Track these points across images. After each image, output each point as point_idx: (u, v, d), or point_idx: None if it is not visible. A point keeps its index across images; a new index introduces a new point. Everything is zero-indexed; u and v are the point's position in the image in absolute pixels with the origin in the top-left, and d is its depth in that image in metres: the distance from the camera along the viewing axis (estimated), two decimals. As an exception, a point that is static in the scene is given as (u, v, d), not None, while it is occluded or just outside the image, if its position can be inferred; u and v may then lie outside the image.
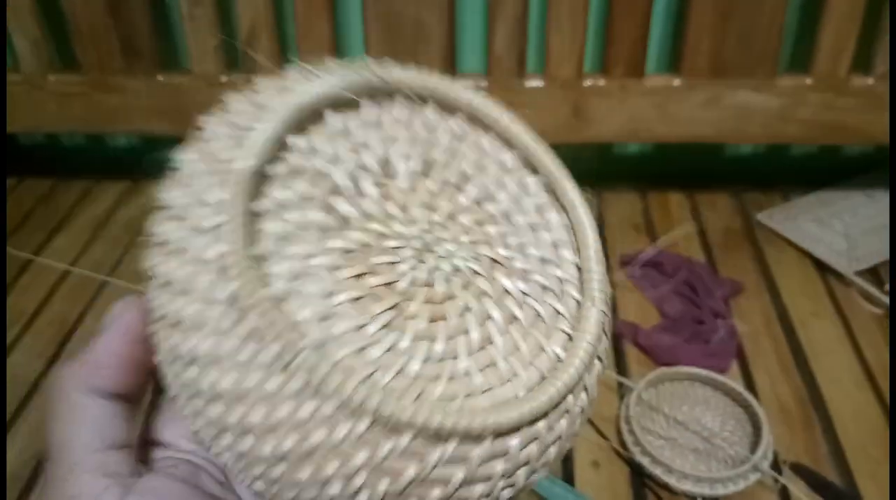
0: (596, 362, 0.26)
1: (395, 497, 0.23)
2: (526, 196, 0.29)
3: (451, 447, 0.22)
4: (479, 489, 0.23)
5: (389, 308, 0.24)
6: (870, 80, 0.74)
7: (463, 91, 0.29)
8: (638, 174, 0.92)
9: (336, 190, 0.25)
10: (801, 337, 0.69)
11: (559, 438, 0.25)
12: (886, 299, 0.71)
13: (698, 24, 0.73)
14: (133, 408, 0.26)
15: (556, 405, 0.24)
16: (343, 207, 0.25)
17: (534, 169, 0.29)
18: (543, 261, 0.28)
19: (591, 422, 0.62)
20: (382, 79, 0.27)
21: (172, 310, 0.23)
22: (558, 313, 0.27)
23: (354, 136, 0.27)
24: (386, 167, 0.27)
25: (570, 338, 0.26)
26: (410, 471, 0.22)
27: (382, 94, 0.28)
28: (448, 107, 0.29)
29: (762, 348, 0.68)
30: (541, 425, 0.24)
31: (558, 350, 0.26)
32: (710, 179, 0.89)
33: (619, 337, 0.69)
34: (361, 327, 0.23)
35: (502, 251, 0.27)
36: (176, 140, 0.26)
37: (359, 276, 0.24)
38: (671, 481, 0.55)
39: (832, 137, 0.79)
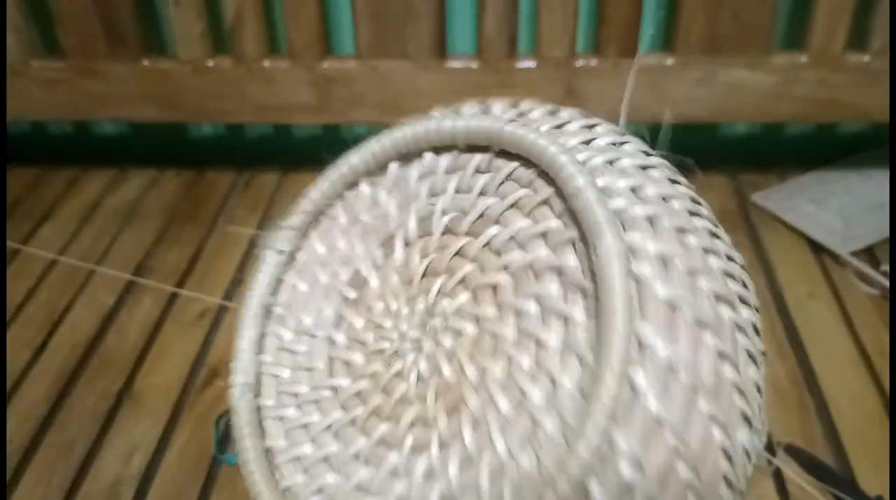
0: None
1: None
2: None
3: None
4: None
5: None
6: (865, 57, 0.73)
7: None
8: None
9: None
10: (795, 318, 0.69)
11: None
12: (882, 280, 0.70)
13: (691, 2, 0.72)
14: None
15: None
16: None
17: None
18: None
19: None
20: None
21: None
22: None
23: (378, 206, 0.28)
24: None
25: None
26: None
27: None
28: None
29: (757, 329, 0.68)
30: None
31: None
32: (705, 160, 0.88)
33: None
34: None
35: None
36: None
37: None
38: (665, 464, 0.55)
39: (827, 115, 0.77)
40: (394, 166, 0.29)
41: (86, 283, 0.76)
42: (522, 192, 0.27)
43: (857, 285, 0.72)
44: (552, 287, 0.26)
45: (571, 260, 0.26)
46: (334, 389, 0.26)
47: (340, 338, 0.26)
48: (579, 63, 0.76)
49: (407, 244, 0.27)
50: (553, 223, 0.26)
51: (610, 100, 0.78)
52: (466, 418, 0.25)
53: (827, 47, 0.73)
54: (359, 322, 0.26)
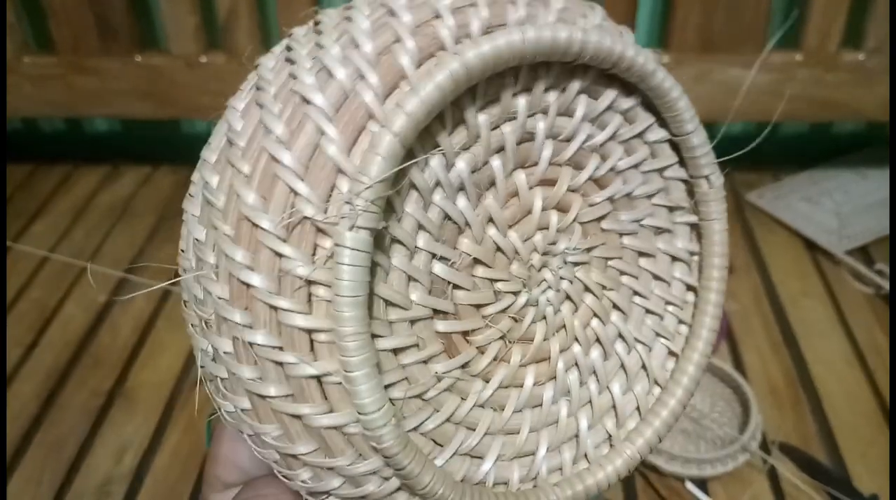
0: None
1: None
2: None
3: None
4: None
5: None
6: (860, 56, 0.73)
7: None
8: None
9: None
10: (790, 317, 0.69)
11: None
12: (877, 278, 0.70)
13: (686, 0, 0.72)
14: None
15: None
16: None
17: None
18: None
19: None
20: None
21: None
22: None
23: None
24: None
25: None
26: None
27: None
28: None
29: (752, 327, 0.68)
30: None
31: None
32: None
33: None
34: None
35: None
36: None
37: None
38: (659, 462, 0.55)
39: (822, 114, 0.77)
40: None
41: (77, 280, 0.75)
42: (619, 120, 0.26)
43: (852, 283, 0.72)
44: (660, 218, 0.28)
45: (679, 197, 0.28)
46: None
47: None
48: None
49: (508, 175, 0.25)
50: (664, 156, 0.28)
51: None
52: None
53: (822, 46, 0.73)
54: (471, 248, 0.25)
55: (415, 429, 0.23)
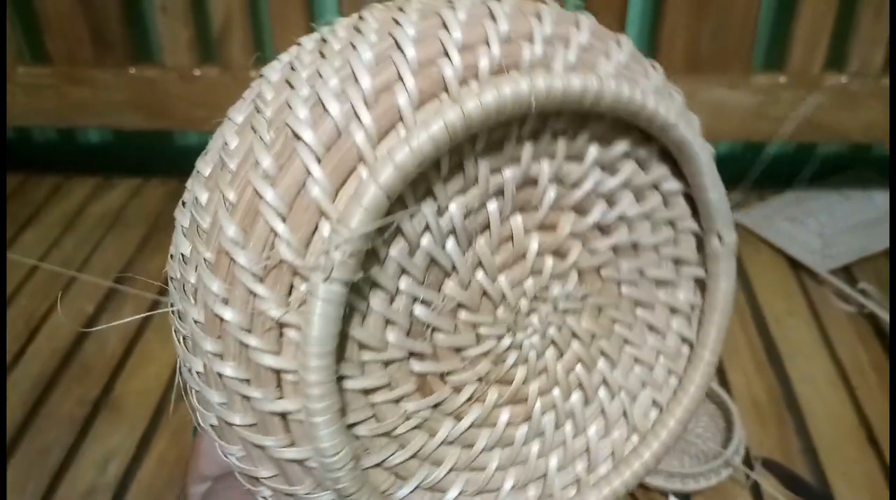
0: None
1: None
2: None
3: None
4: None
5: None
6: (843, 79, 0.74)
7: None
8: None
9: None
10: (774, 335, 0.69)
11: None
12: (860, 298, 0.71)
13: (673, 20, 0.73)
14: None
15: None
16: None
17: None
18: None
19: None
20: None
21: None
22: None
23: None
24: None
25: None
26: None
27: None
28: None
29: (736, 345, 0.68)
30: None
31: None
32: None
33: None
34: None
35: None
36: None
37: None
38: (643, 477, 0.55)
39: (806, 135, 0.79)
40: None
41: (66, 290, 0.75)
42: (632, 167, 0.25)
43: (835, 303, 0.72)
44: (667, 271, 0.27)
45: (688, 250, 0.27)
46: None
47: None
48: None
49: (505, 218, 0.24)
50: (674, 207, 0.27)
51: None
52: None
53: (806, 68, 0.74)
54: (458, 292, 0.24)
55: (378, 464, 0.23)
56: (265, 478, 0.22)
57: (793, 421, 0.61)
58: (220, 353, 0.21)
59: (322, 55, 0.22)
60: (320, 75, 0.21)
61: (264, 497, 0.23)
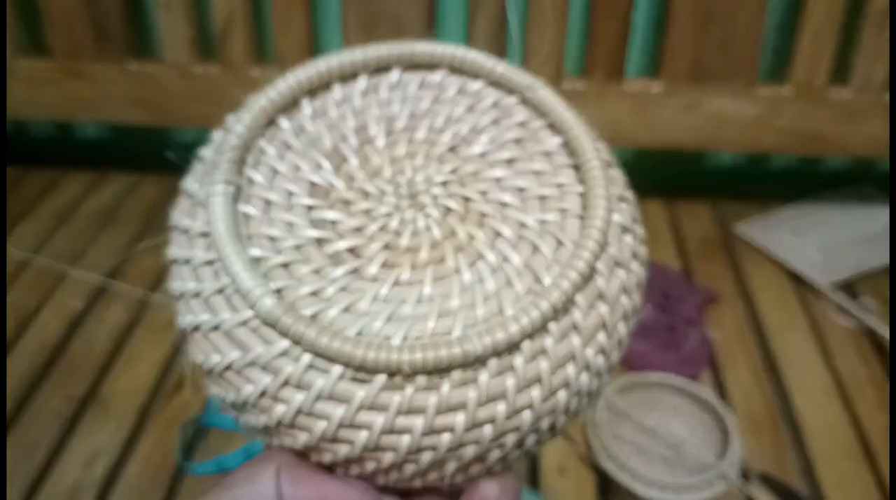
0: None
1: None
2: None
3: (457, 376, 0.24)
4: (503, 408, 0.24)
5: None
6: (847, 93, 0.74)
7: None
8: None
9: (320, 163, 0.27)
10: (773, 348, 0.69)
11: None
12: (860, 313, 0.70)
13: (678, 30, 0.73)
14: None
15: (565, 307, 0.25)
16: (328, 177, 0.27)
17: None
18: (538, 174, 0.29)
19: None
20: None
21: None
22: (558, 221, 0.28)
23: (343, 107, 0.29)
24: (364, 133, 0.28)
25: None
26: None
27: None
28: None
29: (735, 357, 0.67)
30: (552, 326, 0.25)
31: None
32: (689, 189, 0.88)
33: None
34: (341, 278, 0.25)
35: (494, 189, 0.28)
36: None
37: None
38: (637, 487, 0.54)
39: (809, 148, 0.78)
40: (336, 87, 0.30)
41: (58, 285, 0.75)
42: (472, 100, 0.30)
43: (835, 316, 0.72)
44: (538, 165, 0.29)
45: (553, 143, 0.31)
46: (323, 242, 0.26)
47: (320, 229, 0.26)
48: (566, 86, 0.76)
49: (374, 149, 0.28)
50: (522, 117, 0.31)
51: (596, 123, 0.78)
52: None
53: (810, 81, 0.74)
54: (334, 215, 0.27)
55: (313, 317, 0.24)
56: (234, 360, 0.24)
57: (789, 434, 0.61)
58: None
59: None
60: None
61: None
